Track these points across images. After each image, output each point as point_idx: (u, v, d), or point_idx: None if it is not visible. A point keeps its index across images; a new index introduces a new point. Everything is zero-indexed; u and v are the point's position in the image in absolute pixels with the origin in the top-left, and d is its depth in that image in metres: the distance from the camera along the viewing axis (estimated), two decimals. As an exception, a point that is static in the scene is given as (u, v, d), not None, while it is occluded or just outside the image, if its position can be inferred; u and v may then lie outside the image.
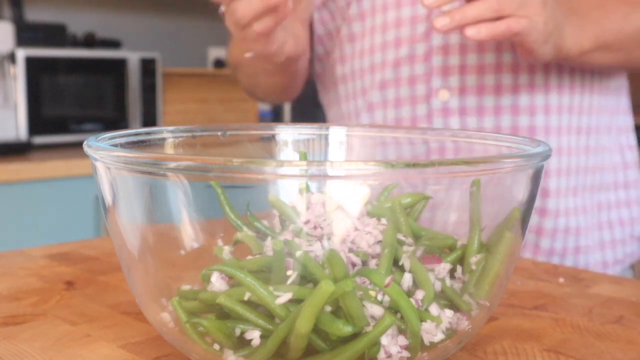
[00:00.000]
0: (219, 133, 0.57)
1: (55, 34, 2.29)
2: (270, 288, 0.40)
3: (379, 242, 0.44)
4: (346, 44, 0.96)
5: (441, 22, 0.70)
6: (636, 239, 0.96)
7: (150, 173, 0.41)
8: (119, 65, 2.28)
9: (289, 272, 0.41)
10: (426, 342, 0.41)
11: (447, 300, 0.44)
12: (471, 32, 0.70)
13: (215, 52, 2.97)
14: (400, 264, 0.44)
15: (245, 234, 0.48)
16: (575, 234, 0.89)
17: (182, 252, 0.45)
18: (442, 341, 0.42)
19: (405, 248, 0.45)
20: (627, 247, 0.95)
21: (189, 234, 0.44)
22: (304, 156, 0.58)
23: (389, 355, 0.40)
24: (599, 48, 0.82)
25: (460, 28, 0.70)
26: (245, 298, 0.41)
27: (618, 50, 0.84)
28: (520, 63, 0.86)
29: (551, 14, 0.74)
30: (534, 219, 0.89)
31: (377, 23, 0.92)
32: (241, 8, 0.75)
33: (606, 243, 0.93)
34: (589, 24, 0.81)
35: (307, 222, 0.41)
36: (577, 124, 0.89)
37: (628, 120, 0.98)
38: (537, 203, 0.87)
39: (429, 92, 0.88)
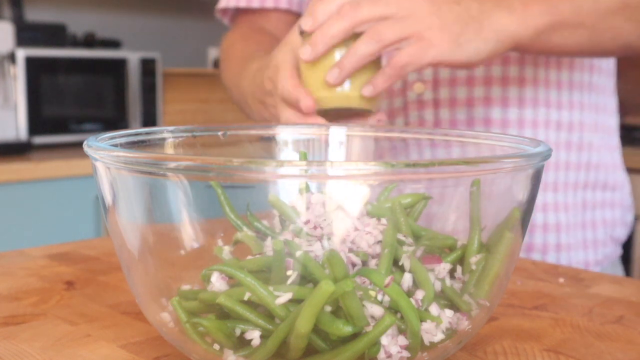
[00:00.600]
0: (219, 133, 0.57)
1: (55, 34, 2.29)
2: (270, 288, 0.40)
3: (379, 242, 0.44)
4: None
5: (333, 75, 0.68)
6: (614, 240, 0.96)
7: (150, 173, 0.41)
8: (119, 65, 2.28)
9: (289, 272, 0.41)
10: (426, 342, 0.41)
11: (447, 300, 0.44)
12: (367, 91, 0.68)
13: (215, 52, 2.96)
14: (400, 264, 0.44)
15: (245, 234, 0.48)
16: (556, 231, 0.89)
17: (182, 252, 0.45)
18: (442, 341, 0.42)
19: (405, 248, 0.45)
20: (606, 249, 0.95)
21: (189, 234, 0.44)
22: (304, 156, 0.58)
23: (389, 355, 0.40)
24: (555, 25, 0.73)
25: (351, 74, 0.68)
26: (245, 298, 0.41)
27: (579, 26, 0.75)
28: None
29: (450, 15, 0.68)
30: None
31: None
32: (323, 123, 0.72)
33: (588, 243, 0.92)
34: (533, 1, 0.73)
35: (307, 222, 0.41)
36: (556, 118, 0.89)
37: (613, 122, 0.97)
38: None
39: (404, 85, 0.89)
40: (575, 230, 0.91)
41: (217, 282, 0.43)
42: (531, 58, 0.87)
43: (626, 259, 2.06)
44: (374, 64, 0.71)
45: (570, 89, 0.90)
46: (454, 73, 0.87)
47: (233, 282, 0.43)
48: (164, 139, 0.55)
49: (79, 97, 2.24)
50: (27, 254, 0.74)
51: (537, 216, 0.88)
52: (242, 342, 0.42)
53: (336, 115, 0.73)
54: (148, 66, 2.34)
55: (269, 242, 0.47)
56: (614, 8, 0.76)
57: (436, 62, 0.68)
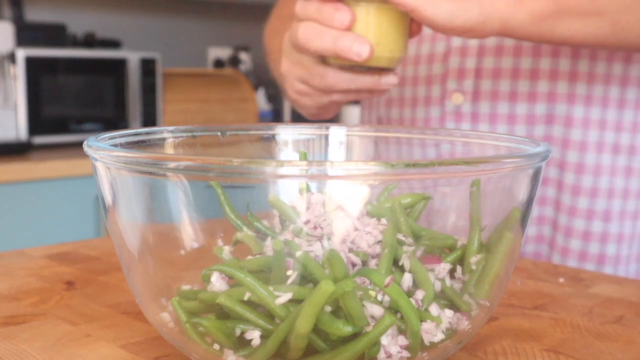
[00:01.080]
0: (219, 133, 0.57)
1: (55, 34, 2.29)
2: (270, 288, 0.40)
3: (379, 242, 0.44)
4: None
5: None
6: None
7: (150, 173, 0.41)
8: (119, 65, 2.28)
9: (289, 272, 0.41)
10: (426, 342, 0.41)
11: (447, 300, 0.44)
12: None
13: (215, 52, 2.96)
14: (400, 264, 0.44)
15: (245, 234, 0.48)
16: (597, 262, 0.81)
17: (182, 252, 0.45)
18: (442, 341, 0.42)
19: (405, 248, 0.45)
20: None
21: (189, 234, 0.44)
22: (304, 156, 0.58)
23: (389, 355, 0.40)
24: (561, 12, 0.63)
25: None
26: (245, 298, 0.41)
27: (595, 14, 0.64)
28: (540, 69, 0.79)
29: None
30: (559, 237, 0.83)
31: None
32: (332, 75, 0.67)
33: None
34: None
35: (307, 222, 0.41)
36: (613, 141, 0.78)
37: None
38: (563, 221, 0.82)
39: (443, 94, 0.84)
40: (627, 264, 0.82)
41: (217, 282, 0.43)
42: (585, 73, 0.78)
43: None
44: (400, 23, 0.65)
45: (637, 109, 0.79)
46: (496, 85, 0.81)
47: (233, 282, 0.43)
48: (164, 139, 0.55)
49: (79, 97, 2.24)
50: (27, 254, 0.74)
51: (573, 242, 0.81)
52: (242, 342, 0.42)
53: (353, 69, 0.68)
54: (148, 66, 2.34)
55: (269, 242, 0.47)
56: None
57: (401, 4, 0.62)
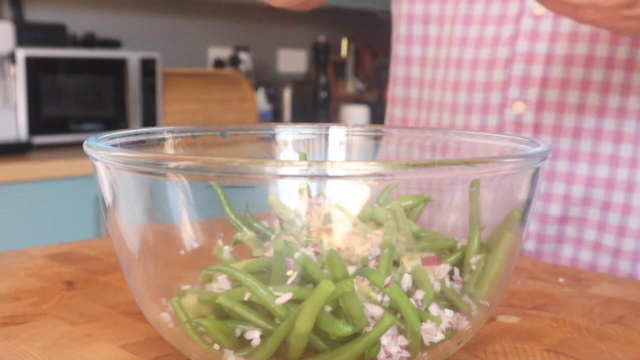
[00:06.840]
0: (219, 133, 0.57)
1: (55, 34, 2.29)
2: (270, 288, 0.40)
3: (378, 245, 0.44)
4: (418, 24, 0.86)
5: None
6: None
7: (150, 173, 0.41)
8: (119, 65, 2.28)
9: (288, 273, 0.41)
10: (426, 342, 0.41)
11: (447, 300, 0.44)
12: None
13: (215, 52, 2.97)
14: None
15: (245, 234, 0.48)
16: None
17: (182, 252, 0.45)
18: (442, 341, 0.42)
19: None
20: None
21: (189, 234, 0.44)
22: (304, 156, 0.58)
23: (389, 355, 0.40)
24: None
25: None
26: (245, 298, 0.41)
27: None
28: (612, 83, 0.75)
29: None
30: (606, 260, 0.79)
31: (460, 13, 0.83)
32: None
33: None
34: None
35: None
36: None
37: None
38: (611, 242, 0.78)
39: (503, 102, 0.80)
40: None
41: (223, 282, 0.43)
42: None
43: None
44: None
45: None
46: (563, 96, 0.76)
47: (233, 282, 0.43)
48: (164, 139, 0.55)
49: (79, 97, 2.24)
50: (27, 254, 0.74)
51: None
52: (242, 342, 0.42)
53: None
54: (148, 66, 2.34)
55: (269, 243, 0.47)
56: None
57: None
